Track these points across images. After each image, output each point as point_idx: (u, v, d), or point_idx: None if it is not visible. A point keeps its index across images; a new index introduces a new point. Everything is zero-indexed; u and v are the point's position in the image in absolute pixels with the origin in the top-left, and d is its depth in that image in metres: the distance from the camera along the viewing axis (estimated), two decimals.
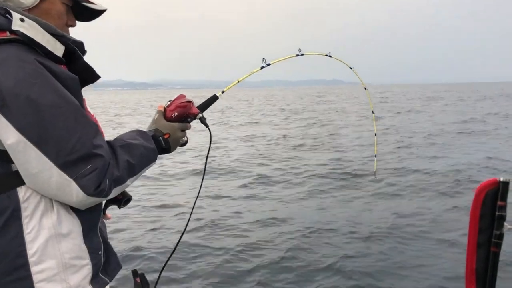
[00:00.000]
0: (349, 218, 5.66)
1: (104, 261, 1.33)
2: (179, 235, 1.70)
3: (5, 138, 1.10)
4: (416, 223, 5.39)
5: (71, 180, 1.12)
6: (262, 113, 26.24)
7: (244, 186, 7.62)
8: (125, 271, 3.49)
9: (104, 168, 1.16)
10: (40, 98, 1.10)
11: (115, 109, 36.63)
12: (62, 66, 1.23)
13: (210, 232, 5.24)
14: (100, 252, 1.30)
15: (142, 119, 23.61)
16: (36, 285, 1.15)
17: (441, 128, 15.42)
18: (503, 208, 1.03)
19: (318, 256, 4.49)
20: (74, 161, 1.12)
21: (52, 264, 1.16)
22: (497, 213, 1.03)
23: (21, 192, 1.15)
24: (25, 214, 1.15)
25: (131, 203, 1.62)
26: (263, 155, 10.87)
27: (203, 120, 1.51)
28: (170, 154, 1.48)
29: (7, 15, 1.16)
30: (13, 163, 1.14)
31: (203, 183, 1.70)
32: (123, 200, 1.52)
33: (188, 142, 1.53)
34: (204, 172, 1.71)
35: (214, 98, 1.65)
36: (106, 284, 1.32)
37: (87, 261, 1.23)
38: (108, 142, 1.26)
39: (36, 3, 1.23)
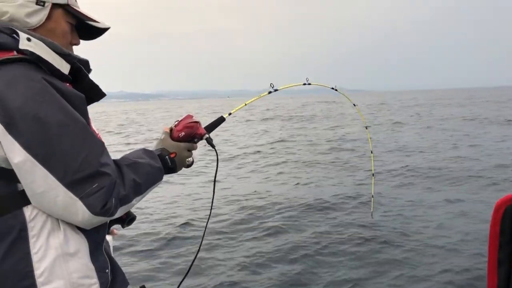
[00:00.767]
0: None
1: (111, 279, 1.32)
2: (192, 251, 1.73)
3: (12, 157, 1.10)
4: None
5: (77, 199, 1.11)
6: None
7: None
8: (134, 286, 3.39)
9: (111, 187, 1.15)
10: (47, 117, 1.10)
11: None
12: (68, 84, 1.23)
13: (224, 247, 5.22)
14: (107, 270, 1.29)
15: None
16: None
17: None
18: None
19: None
20: (80, 180, 1.12)
21: (60, 285, 1.15)
22: None
23: (28, 211, 1.15)
24: (32, 233, 1.14)
25: (139, 219, 1.71)
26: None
27: (209, 141, 1.52)
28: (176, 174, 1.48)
29: (14, 35, 1.17)
30: (19, 182, 1.14)
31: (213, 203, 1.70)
32: (127, 219, 1.51)
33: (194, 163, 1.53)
34: (213, 191, 1.70)
35: (221, 120, 1.66)
36: None
37: (94, 280, 1.22)
38: (114, 161, 1.25)
39: (41, 22, 1.24)
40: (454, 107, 34.16)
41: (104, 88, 1.36)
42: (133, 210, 1.46)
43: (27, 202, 1.14)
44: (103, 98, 1.37)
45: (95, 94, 1.34)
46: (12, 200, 1.14)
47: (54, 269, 1.15)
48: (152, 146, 1.46)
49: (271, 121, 27.86)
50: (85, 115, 1.22)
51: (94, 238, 1.25)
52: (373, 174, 3.20)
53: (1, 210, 1.14)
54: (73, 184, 1.11)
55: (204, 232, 1.73)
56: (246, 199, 7.48)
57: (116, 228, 1.60)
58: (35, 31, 1.23)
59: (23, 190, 1.14)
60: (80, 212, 1.12)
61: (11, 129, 1.09)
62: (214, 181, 1.66)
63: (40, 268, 1.14)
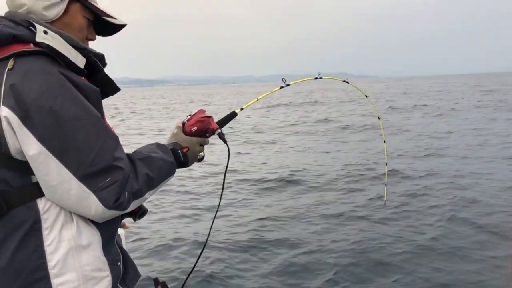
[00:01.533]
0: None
1: (123, 272, 1.32)
2: (200, 245, 1.76)
3: (27, 149, 1.10)
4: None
5: (90, 192, 1.12)
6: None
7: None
8: (146, 280, 3.42)
9: (124, 181, 1.15)
10: (62, 110, 1.10)
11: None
12: (83, 78, 1.23)
13: (233, 241, 5.16)
14: (119, 263, 1.29)
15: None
16: None
17: None
18: None
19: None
20: (94, 174, 1.12)
21: (73, 277, 1.16)
22: None
23: (41, 203, 1.15)
24: (45, 225, 1.15)
25: (151, 213, 1.61)
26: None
27: (221, 136, 1.51)
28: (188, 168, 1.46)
29: (31, 28, 1.17)
30: (33, 174, 1.14)
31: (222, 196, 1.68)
32: (138, 212, 1.51)
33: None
34: (223, 187, 1.68)
35: (233, 115, 1.64)
36: None
37: (107, 273, 1.22)
38: (127, 154, 1.25)
39: (59, 16, 1.24)
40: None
41: (109, 74, 1.33)
42: (145, 204, 1.44)
43: (41, 194, 1.14)
44: (114, 94, 1.36)
45: (110, 88, 1.34)
46: (26, 192, 1.14)
47: (67, 261, 1.15)
48: (164, 140, 1.45)
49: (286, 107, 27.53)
50: (99, 109, 1.21)
51: (107, 231, 1.24)
52: (386, 163, 3.21)
53: (15, 201, 1.14)
54: (86, 178, 1.11)
55: (212, 225, 1.73)
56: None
57: (128, 221, 1.61)
58: (51, 25, 1.23)
59: (37, 182, 1.14)
60: (93, 205, 1.12)
61: (27, 122, 1.09)
62: (224, 175, 1.66)
63: (53, 260, 1.14)
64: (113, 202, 1.14)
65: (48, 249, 1.15)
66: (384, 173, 3.20)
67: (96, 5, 1.33)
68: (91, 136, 1.13)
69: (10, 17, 1.21)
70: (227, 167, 1.66)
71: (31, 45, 1.16)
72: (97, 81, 1.28)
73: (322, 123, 17.83)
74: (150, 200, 6.43)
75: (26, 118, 1.09)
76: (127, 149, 1.30)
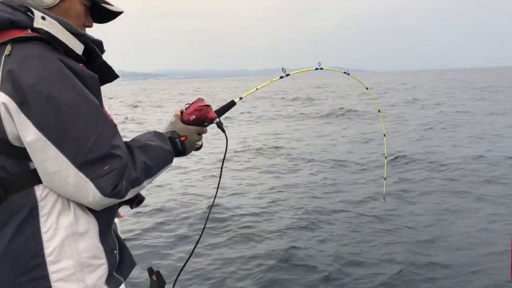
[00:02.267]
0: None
1: (119, 260, 1.32)
2: (196, 234, 1.77)
3: (24, 136, 1.09)
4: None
5: (88, 180, 1.11)
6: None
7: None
8: (140, 269, 3.54)
9: (122, 169, 1.15)
10: (61, 97, 1.09)
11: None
12: (81, 64, 1.22)
13: (229, 231, 5.21)
14: (115, 251, 1.29)
15: None
16: (53, 284, 1.14)
17: None
18: None
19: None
20: (92, 161, 1.11)
21: (69, 264, 1.15)
22: None
23: (39, 190, 1.14)
24: (42, 212, 1.14)
25: (147, 202, 1.59)
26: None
27: (220, 125, 1.51)
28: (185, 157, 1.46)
29: (28, 13, 1.15)
30: (31, 161, 1.13)
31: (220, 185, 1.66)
32: (135, 200, 1.51)
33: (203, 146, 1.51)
34: (220, 177, 1.68)
35: (231, 104, 1.63)
36: (121, 283, 1.31)
37: (103, 260, 1.23)
38: (125, 143, 1.24)
39: (56, 2, 1.22)
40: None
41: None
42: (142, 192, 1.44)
43: (38, 181, 1.14)
44: (112, 81, 1.35)
45: (108, 75, 1.33)
46: (23, 178, 1.14)
47: (64, 248, 1.15)
48: (162, 128, 1.45)
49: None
50: (98, 96, 1.20)
51: (104, 219, 1.24)
52: (385, 157, 3.18)
53: (13, 188, 1.14)
54: (84, 165, 1.10)
55: (208, 215, 1.75)
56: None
57: (123, 210, 1.61)
58: (49, 11, 1.21)
59: (35, 169, 1.13)
60: (91, 193, 1.12)
61: (24, 108, 1.08)
62: (222, 164, 1.65)
63: (49, 247, 1.14)
64: (111, 190, 1.13)
65: (45, 236, 1.14)
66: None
67: None
68: (89, 124, 1.13)
69: (7, 2, 1.19)
70: (224, 156, 1.66)
71: (29, 31, 1.15)
72: (95, 67, 1.27)
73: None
74: (149, 194, 6.70)
75: (23, 104, 1.08)
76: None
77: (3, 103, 1.09)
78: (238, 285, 3.95)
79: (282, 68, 1.82)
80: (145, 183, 1.26)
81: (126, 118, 20.16)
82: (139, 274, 3.77)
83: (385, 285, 3.85)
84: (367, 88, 2.49)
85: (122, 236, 1.49)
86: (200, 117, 1.45)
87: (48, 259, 1.14)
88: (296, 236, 4.99)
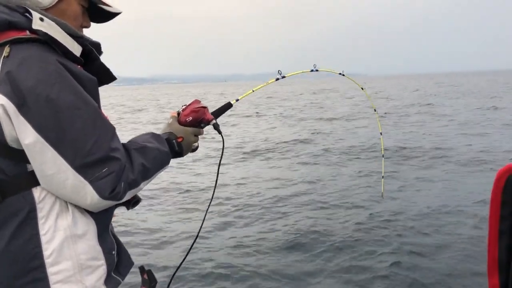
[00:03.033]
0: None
1: (117, 260, 1.32)
2: (191, 235, 1.76)
3: (23, 138, 1.09)
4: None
5: (86, 182, 1.11)
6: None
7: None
8: (133, 267, 3.46)
9: (120, 172, 1.15)
10: (59, 99, 1.09)
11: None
12: (79, 66, 1.22)
13: (225, 232, 5.21)
14: (113, 252, 1.29)
15: None
16: (52, 286, 1.14)
17: None
18: None
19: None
20: (90, 164, 1.11)
21: (68, 265, 1.15)
22: None
23: (37, 192, 1.14)
24: (40, 214, 1.14)
25: (143, 203, 1.59)
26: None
27: (216, 127, 1.51)
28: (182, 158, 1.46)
29: (27, 14, 1.15)
30: (29, 163, 1.13)
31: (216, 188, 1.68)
32: (132, 201, 1.50)
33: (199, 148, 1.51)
34: (217, 178, 1.67)
35: (228, 106, 1.64)
36: (119, 284, 1.32)
37: (102, 261, 1.23)
38: (123, 144, 1.24)
39: (54, 3, 1.21)
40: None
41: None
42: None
43: (36, 183, 1.13)
44: (110, 83, 1.35)
45: (106, 77, 1.33)
46: (21, 180, 1.13)
47: (63, 250, 1.15)
48: (159, 130, 1.45)
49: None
50: (96, 98, 1.20)
51: (102, 220, 1.25)
52: (383, 155, 3.16)
53: (11, 190, 1.13)
54: (83, 168, 1.10)
55: (205, 215, 1.74)
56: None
57: (115, 212, 1.60)
58: (47, 12, 1.20)
59: (33, 171, 1.13)
60: (89, 195, 1.12)
61: (23, 110, 1.07)
62: (219, 166, 1.65)
63: (48, 249, 1.14)
64: (109, 192, 1.13)
65: (43, 238, 1.14)
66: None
67: None
68: (88, 126, 1.12)
69: (4, 3, 1.18)
70: (221, 158, 1.67)
71: (27, 32, 1.14)
72: (93, 69, 1.27)
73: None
74: (147, 196, 6.67)
75: (22, 106, 1.08)
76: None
77: (2, 105, 1.08)
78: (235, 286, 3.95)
79: (278, 71, 1.83)
80: (142, 184, 1.26)
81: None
82: (130, 272, 3.83)
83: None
84: (362, 88, 2.50)
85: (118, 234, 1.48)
86: (196, 119, 1.46)
87: (47, 261, 1.14)
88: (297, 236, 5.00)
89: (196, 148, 1.50)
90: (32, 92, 1.08)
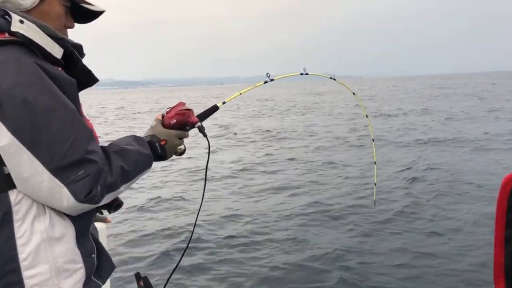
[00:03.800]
0: None
1: (97, 264, 1.31)
2: (185, 241, 1.75)
3: None
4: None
5: (62, 185, 1.10)
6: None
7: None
8: (128, 274, 3.63)
9: (97, 174, 1.14)
10: (36, 101, 1.08)
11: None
12: (59, 68, 1.21)
13: (217, 237, 5.19)
14: (93, 255, 1.28)
15: None
16: None
17: None
18: None
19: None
20: (66, 166, 1.10)
21: (45, 269, 1.14)
22: None
23: (13, 195, 1.13)
24: (16, 217, 1.13)
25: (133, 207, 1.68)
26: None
27: (201, 129, 1.49)
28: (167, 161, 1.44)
29: (6, 17, 1.15)
30: (5, 165, 1.11)
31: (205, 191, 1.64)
32: (113, 205, 1.49)
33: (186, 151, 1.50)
34: (205, 182, 1.65)
35: (214, 108, 1.62)
36: (100, 287, 1.31)
37: (80, 265, 1.22)
38: (102, 147, 1.23)
39: (35, 4, 1.21)
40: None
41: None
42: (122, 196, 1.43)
43: (12, 186, 1.12)
44: (92, 87, 1.33)
45: (88, 79, 1.32)
46: None
47: (39, 253, 1.14)
48: (143, 133, 1.44)
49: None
50: (75, 100, 1.20)
51: (81, 223, 1.23)
52: (375, 163, 3.08)
53: None
54: (58, 170, 1.09)
55: (196, 219, 1.71)
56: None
57: (111, 216, 1.61)
58: (28, 13, 1.20)
59: (9, 174, 1.12)
60: (65, 198, 1.11)
61: None
62: (206, 170, 1.63)
63: (24, 252, 1.13)
64: (85, 195, 1.12)
65: (19, 241, 1.13)
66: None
67: None
68: (64, 128, 1.12)
69: None
70: (208, 161, 1.65)
71: (6, 34, 1.14)
72: (74, 72, 1.27)
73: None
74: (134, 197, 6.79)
75: None
76: None
77: None
78: None
79: (267, 73, 1.81)
80: (122, 187, 1.25)
81: None
82: (126, 279, 3.77)
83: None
84: (354, 94, 2.43)
85: (110, 241, 1.50)
86: (181, 121, 1.44)
87: (23, 264, 1.13)
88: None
89: (183, 151, 1.48)
90: (8, 94, 1.07)
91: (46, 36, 1.18)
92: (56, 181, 1.10)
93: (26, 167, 1.09)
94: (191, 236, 1.68)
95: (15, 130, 1.07)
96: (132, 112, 31.75)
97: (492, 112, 18.77)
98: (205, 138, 1.54)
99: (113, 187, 1.21)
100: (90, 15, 1.38)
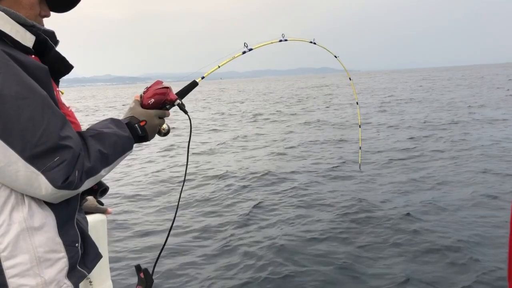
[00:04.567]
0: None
1: (82, 253, 1.30)
2: (169, 226, 1.69)
3: None
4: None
5: (38, 173, 1.09)
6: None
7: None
8: (129, 266, 3.70)
9: (73, 160, 1.13)
10: (4, 89, 1.07)
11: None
12: (32, 56, 1.20)
13: (200, 222, 5.22)
14: (77, 244, 1.27)
15: None
16: (9, 280, 1.12)
17: None
18: None
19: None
20: (40, 154, 1.09)
21: (25, 259, 1.14)
22: None
23: None
24: None
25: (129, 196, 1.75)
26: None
27: (181, 107, 1.47)
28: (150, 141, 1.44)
29: None
30: None
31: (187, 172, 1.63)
32: (98, 190, 1.47)
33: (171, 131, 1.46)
34: (187, 161, 1.66)
35: (193, 84, 1.60)
36: (84, 277, 1.30)
37: (62, 254, 1.21)
38: (79, 132, 1.22)
39: None
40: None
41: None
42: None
43: None
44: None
45: (63, 66, 1.31)
46: None
47: (18, 243, 1.13)
48: (122, 115, 1.41)
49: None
50: (48, 87, 1.18)
51: (63, 211, 1.22)
52: (359, 126, 3.28)
53: None
54: (33, 158, 1.08)
55: (178, 204, 1.71)
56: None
57: (111, 207, 1.59)
58: (0, 3, 1.19)
59: None
60: (43, 186, 1.10)
61: None
62: (188, 148, 1.63)
63: (3, 242, 1.12)
64: (62, 181, 1.11)
65: None
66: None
67: None
68: (35, 116, 1.10)
69: None
70: (190, 138, 1.61)
71: None
72: (49, 59, 1.25)
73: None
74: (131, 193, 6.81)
75: None
76: None
77: None
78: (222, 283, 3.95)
79: (244, 43, 1.76)
80: (103, 171, 1.24)
81: None
82: (126, 272, 3.78)
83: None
84: (335, 57, 2.47)
85: (111, 233, 1.49)
86: (159, 100, 1.42)
87: (2, 254, 1.12)
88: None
89: (168, 131, 1.46)
90: None
91: (17, 24, 1.16)
92: (32, 169, 1.09)
93: (1, 157, 1.08)
94: (175, 216, 1.67)
95: None
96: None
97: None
98: (186, 115, 1.52)
99: (92, 171, 1.19)
100: (66, 4, 1.35)
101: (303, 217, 5.33)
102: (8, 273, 1.13)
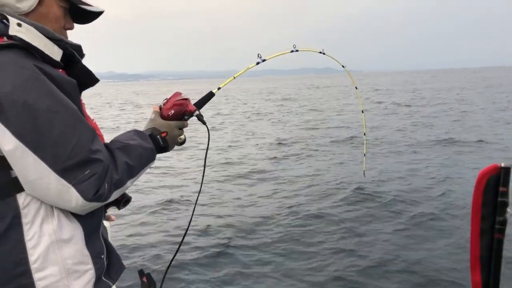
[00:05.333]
0: None
1: (107, 264, 1.32)
2: (182, 233, 1.72)
3: (3, 144, 1.09)
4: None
5: (70, 186, 1.11)
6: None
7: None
8: (131, 271, 3.52)
9: (103, 173, 1.15)
10: (37, 103, 1.09)
11: None
12: (60, 70, 1.22)
13: (214, 229, 5.20)
14: (102, 256, 1.29)
15: None
16: None
17: None
18: (505, 194, 0.99)
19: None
20: (72, 167, 1.11)
21: (55, 271, 1.16)
22: (499, 199, 0.99)
23: (21, 198, 1.14)
24: (25, 220, 1.14)
25: (134, 202, 1.55)
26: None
27: (200, 117, 1.50)
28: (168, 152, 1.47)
29: (4, 21, 1.15)
30: (12, 169, 1.12)
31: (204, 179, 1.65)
32: (122, 201, 1.50)
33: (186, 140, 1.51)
34: (204, 169, 1.65)
35: (210, 95, 1.63)
36: (110, 287, 1.32)
37: (90, 266, 1.23)
38: (105, 145, 1.25)
39: (33, 7, 1.22)
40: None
41: (93, 69, 1.32)
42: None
43: (20, 189, 1.13)
44: (93, 85, 1.35)
45: (89, 79, 1.33)
46: (4, 187, 1.13)
47: (48, 255, 1.15)
48: (142, 126, 1.44)
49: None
50: (76, 100, 1.20)
51: (90, 223, 1.25)
52: (364, 133, 3.22)
53: None
54: (65, 171, 1.10)
55: (193, 210, 1.72)
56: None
57: (113, 213, 1.61)
58: (26, 16, 1.21)
59: (16, 177, 1.13)
60: (74, 198, 1.12)
61: (1, 117, 1.07)
62: (205, 157, 1.64)
63: (34, 254, 1.14)
64: (93, 194, 1.13)
65: (29, 244, 1.14)
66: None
67: None
68: (67, 129, 1.12)
69: None
70: (207, 148, 1.65)
71: (5, 38, 1.14)
72: (75, 72, 1.27)
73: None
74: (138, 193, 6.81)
75: (0, 113, 1.07)
76: None
77: None
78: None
79: (258, 54, 1.80)
80: (129, 183, 1.26)
81: None
82: (129, 276, 3.80)
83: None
84: (343, 66, 2.53)
85: (113, 238, 1.50)
86: (179, 112, 1.44)
87: (33, 266, 1.14)
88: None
89: (184, 141, 1.49)
90: (9, 98, 1.07)
91: (45, 38, 1.18)
92: (64, 182, 1.11)
93: (33, 170, 1.10)
94: (188, 227, 1.67)
95: (19, 134, 1.08)
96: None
97: None
98: (205, 125, 1.55)
99: (120, 183, 1.21)
100: (89, 16, 1.38)
101: (304, 222, 5.38)
102: (38, 284, 1.14)
